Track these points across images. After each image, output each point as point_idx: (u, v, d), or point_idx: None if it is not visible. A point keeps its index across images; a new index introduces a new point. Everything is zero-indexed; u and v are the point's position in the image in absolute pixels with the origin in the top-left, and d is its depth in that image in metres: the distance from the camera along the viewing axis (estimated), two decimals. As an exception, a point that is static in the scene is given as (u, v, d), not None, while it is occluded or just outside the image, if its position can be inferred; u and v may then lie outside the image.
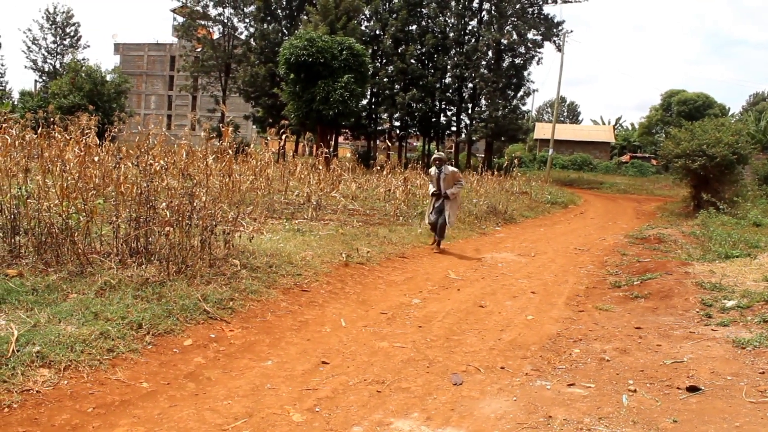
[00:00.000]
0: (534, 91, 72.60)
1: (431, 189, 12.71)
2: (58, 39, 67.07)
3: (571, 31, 51.65)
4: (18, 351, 4.74)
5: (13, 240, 6.99)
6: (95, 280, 6.46)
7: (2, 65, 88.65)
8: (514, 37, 46.30)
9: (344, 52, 31.08)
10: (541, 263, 11.69)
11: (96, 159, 11.39)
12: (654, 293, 8.62)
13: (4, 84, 66.16)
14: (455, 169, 12.82)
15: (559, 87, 50.90)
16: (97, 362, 4.96)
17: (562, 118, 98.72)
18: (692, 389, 5.09)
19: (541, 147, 65.19)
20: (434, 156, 12.84)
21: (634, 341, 6.56)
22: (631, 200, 34.53)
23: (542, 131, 66.07)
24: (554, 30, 45.86)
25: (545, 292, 9.14)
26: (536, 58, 47.46)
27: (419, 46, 48.61)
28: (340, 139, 49.80)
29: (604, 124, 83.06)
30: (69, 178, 8.84)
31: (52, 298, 5.94)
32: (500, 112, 45.09)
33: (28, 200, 7.46)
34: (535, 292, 9.02)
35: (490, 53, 47.60)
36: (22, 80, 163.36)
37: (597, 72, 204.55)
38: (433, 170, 12.68)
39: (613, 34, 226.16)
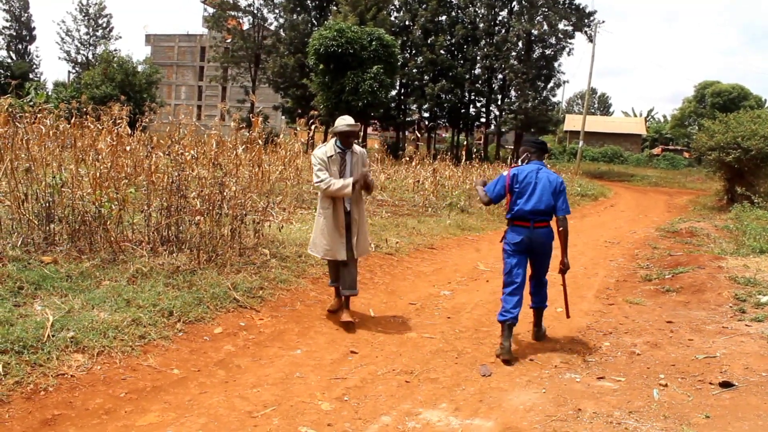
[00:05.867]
0: (564, 82, 72.09)
1: (326, 183, 6.36)
2: (90, 30, 67.90)
3: (603, 22, 51.02)
4: (53, 336, 4.83)
5: (48, 228, 7.10)
6: (127, 268, 6.55)
7: (37, 57, 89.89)
8: (545, 27, 45.82)
9: (374, 43, 31.06)
10: (571, 256, 11.39)
11: (128, 148, 11.51)
12: (686, 287, 8.50)
13: (38, 75, 67.18)
14: (364, 150, 6.95)
15: (590, 78, 50.23)
16: (130, 348, 5.04)
17: (593, 110, 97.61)
18: (725, 385, 5.02)
19: (571, 139, 64.57)
20: (340, 125, 6.47)
21: (666, 335, 6.48)
22: (663, 193, 34.05)
23: (572, 123, 65.38)
24: (586, 20, 45.28)
25: (575, 284, 9.05)
26: (567, 49, 46.99)
27: (449, 37, 48.40)
28: (369, 130, 49.85)
29: (635, 116, 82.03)
30: (102, 168, 8.95)
31: (85, 285, 6.03)
32: (530, 104, 44.73)
33: (62, 189, 7.57)
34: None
35: (520, 44, 47.22)
36: (55, 71, 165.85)
37: (629, 63, 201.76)
38: (329, 149, 6.53)
39: (646, 25, 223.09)
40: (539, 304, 6.33)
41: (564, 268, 6.16)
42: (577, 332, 6.65)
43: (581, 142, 45.96)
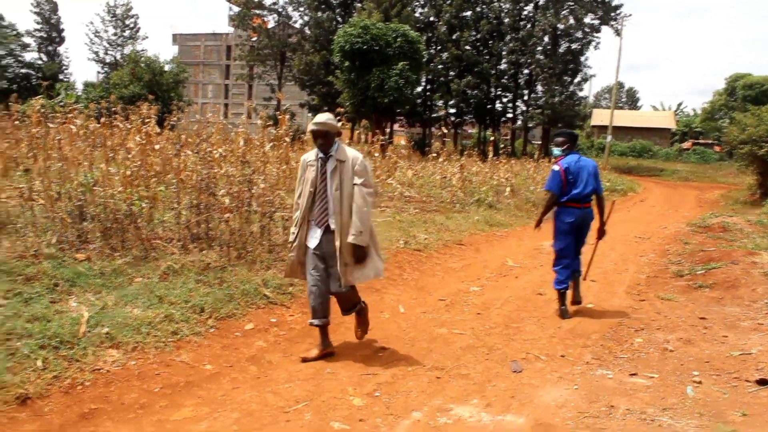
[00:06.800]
0: (591, 76, 71.04)
1: (302, 198, 5.45)
2: (118, 31, 68.76)
3: (630, 15, 50.41)
4: (89, 332, 4.91)
5: (80, 226, 7.20)
6: (159, 265, 6.64)
7: (66, 58, 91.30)
8: (571, 21, 45.49)
9: (399, 39, 31.03)
10: (600, 251, 11.44)
11: (157, 147, 11.63)
12: (719, 283, 8.38)
13: (68, 76, 68.20)
14: (360, 156, 5.39)
15: (617, 72, 49.95)
16: (163, 344, 5.13)
17: (621, 104, 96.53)
18: (762, 382, 4.95)
19: (598, 134, 63.95)
20: (314, 124, 5.29)
21: (699, 332, 6.41)
22: (693, 188, 33.62)
23: (600, 117, 64.78)
24: (612, 14, 44.85)
25: (605, 280, 8.99)
26: (593, 43, 46.70)
27: (474, 32, 48.25)
28: (395, 126, 49.84)
29: (664, 109, 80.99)
30: (132, 166, 9.07)
31: (118, 282, 6.12)
32: (557, 99, 44.48)
33: (94, 187, 7.68)
34: (595, 280, 8.86)
35: (546, 38, 46.97)
36: (85, 72, 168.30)
37: (657, 56, 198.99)
38: (313, 153, 5.47)
39: (675, 17, 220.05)
40: (578, 268, 7.27)
41: (602, 234, 7.35)
42: (608, 328, 6.58)
43: (609, 137, 45.53)
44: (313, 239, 5.33)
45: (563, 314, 6.95)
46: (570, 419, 4.36)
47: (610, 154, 47.90)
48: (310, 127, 5.29)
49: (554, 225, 7.11)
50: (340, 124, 17.25)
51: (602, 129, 58.29)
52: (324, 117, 5.32)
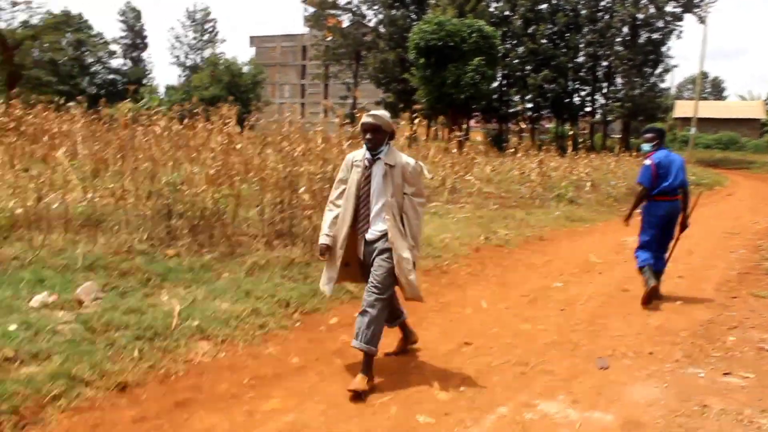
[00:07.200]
0: (673, 67, 69.09)
1: (344, 200, 4.89)
2: (198, 35, 70.95)
3: (715, 1, 48.59)
4: (180, 325, 5.12)
5: (169, 223, 7.46)
6: (245, 261, 6.84)
7: (150, 63, 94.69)
8: (651, 10, 44.19)
9: (474, 35, 30.88)
10: (687, 247, 11.08)
11: (238, 147, 11.91)
12: (817, 279, 8.00)
13: (151, 80, 70.77)
14: (412, 161, 4.83)
15: (701, 61, 48.12)
16: (251, 337, 5.30)
17: (705, 95, 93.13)
18: None
19: (682, 126, 61.86)
20: (366, 116, 4.78)
21: (798, 331, 6.13)
22: (786, 181, 32.16)
23: (683, 109, 62.60)
24: (695, 1, 43.26)
25: (692, 277, 8.70)
26: (675, 32, 45.17)
27: (550, 25, 47.40)
28: (472, 122, 49.54)
29: (753, 99, 77.62)
30: (215, 165, 9.32)
31: (207, 277, 6.35)
32: (637, 91, 43.37)
33: (180, 186, 7.96)
34: (682, 276, 8.58)
35: (625, 29, 45.78)
36: (166, 76, 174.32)
37: (745, 43, 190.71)
38: (357, 156, 4.90)
39: (763, 1, 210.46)
40: (662, 267, 7.42)
41: (685, 227, 7.37)
42: (698, 326, 6.37)
43: (693, 129, 43.99)
44: (362, 250, 4.83)
45: (648, 282, 7.06)
46: (660, 417, 4.24)
47: (695, 146, 46.28)
48: (363, 119, 4.77)
49: (642, 218, 7.34)
50: (417, 120, 17.37)
51: (685, 121, 56.37)
52: (380, 111, 4.87)
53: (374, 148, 4.70)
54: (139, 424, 3.91)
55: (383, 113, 4.80)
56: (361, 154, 4.82)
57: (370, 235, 4.72)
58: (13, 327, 4.62)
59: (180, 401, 4.22)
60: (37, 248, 6.47)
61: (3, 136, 12.13)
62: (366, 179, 4.72)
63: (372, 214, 4.70)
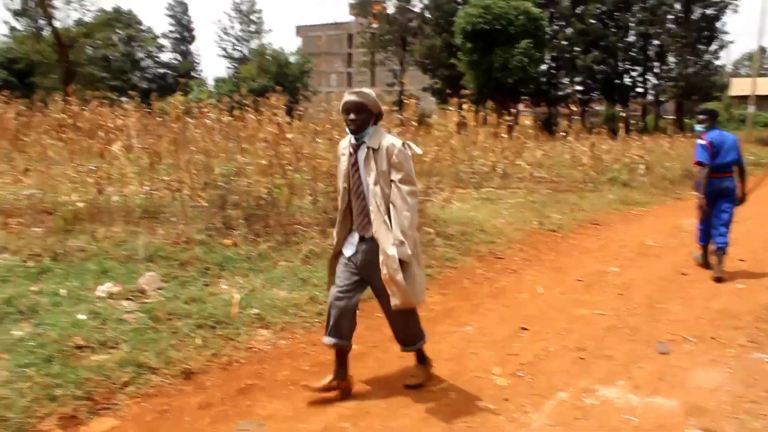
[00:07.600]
0: (729, 43, 66.86)
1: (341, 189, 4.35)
2: (244, 27, 71.65)
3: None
4: (240, 313, 5.23)
5: (224, 213, 7.59)
6: (300, 249, 6.93)
7: (198, 55, 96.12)
8: (706, -16, 42.96)
9: (521, 17, 30.52)
10: (747, 229, 10.79)
11: (289, 136, 12.00)
12: None
13: (200, 72, 71.89)
14: (398, 143, 4.04)
15: (759, 36, 46.59)
16: (309, 324, 5.39)
17: (764, 71, 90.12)
18: None
19: (739, 104, 59.97)
20: (348, 93, 4.08)
21: None
22: None
23: (740, 87, 60.49)
24: (753, -26, 41.93)
25: (754, 259, 8.47)
26: (731, 7, 43.75)
27: (599, 5, 46.41)
28: (520, 106, 48.99)
29: (814, 75, 74.80)
30: (267, 155, 9.42)
31: (264, 266, 6.46)
32: (690, 69, 42.29)
33: (234, 177, 8.08)
34: (743, 259, 8.37)
35: (677, 6, 44.64)
36: (214, 68, 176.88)
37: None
38: (346, 142, 4.25)
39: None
40: (725, 244, 7.49)
41: (741, 201, 7.66)
42: (762, 309, 6.20)
43: (752, 107, 42.64)
44: (350, 246, 4.28)
45: (703, 260, 7.87)
46: (726, 403, 4.16)
47: (754, 125, 44.87)
48: (344, 98, 4.06)
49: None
50: (465, 106, 17.20)
51: (743, 99, 54.59)
52: (364, 88, 4.16)
53: (357, 131, 4.03)
54: (204, 410, 4.00)
55: (368, 90, 4.10)
56: (347, 140, 4.22)
57: (368, 233, 4.14)
58: (82, 316, 4.79)
59: (243, 388, 4.30)
60: (100, 240, 6.66)
61: (61, 133, 12.45)
62: (354, 167, 4.12)
63: (370, 207, 4.08)
